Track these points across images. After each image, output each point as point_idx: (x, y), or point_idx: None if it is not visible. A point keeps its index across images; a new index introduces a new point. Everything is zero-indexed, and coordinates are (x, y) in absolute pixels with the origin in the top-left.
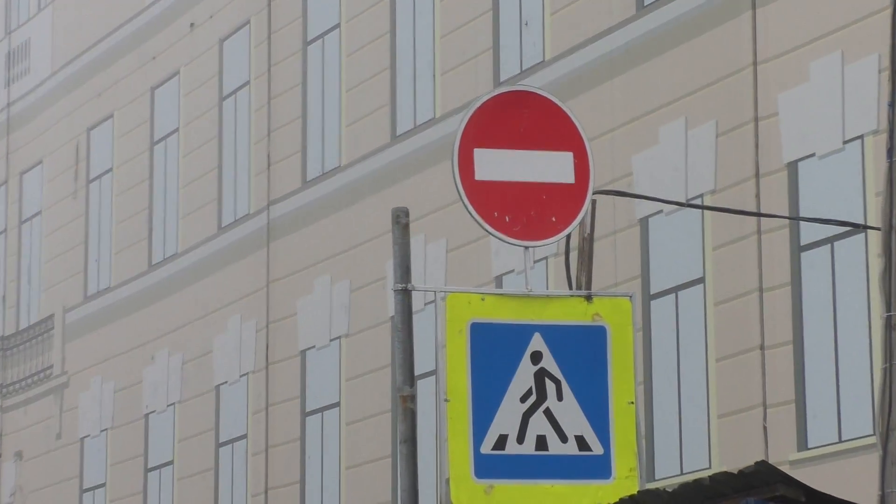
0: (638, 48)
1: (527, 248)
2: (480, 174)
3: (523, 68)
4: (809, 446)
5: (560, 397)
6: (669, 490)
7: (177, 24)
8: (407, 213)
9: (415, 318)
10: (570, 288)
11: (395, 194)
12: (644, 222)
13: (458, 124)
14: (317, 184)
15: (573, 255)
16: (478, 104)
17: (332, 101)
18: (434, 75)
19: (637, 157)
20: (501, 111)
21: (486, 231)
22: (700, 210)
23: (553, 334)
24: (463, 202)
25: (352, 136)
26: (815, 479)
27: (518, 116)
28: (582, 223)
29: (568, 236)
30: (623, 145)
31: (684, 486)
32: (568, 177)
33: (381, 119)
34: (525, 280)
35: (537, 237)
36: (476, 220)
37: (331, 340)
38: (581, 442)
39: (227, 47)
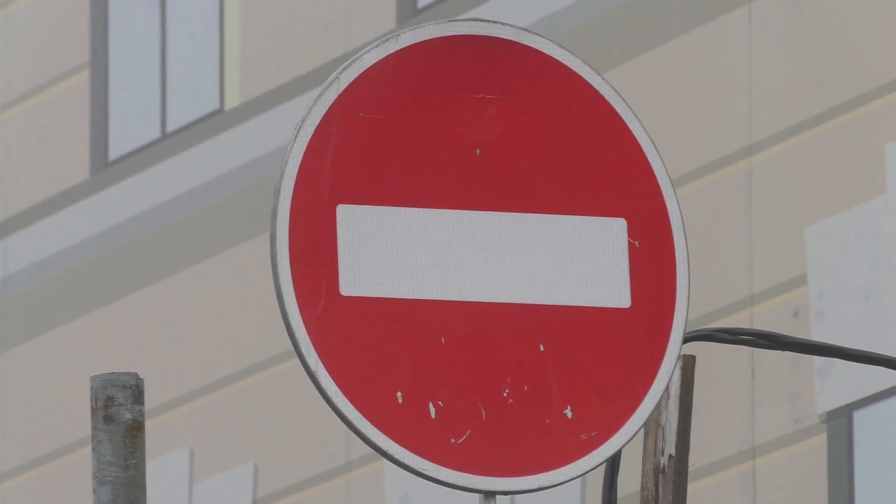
0: None
1: (488, 495)
2: (350, 284)
3: None
4: None
5: None
6: None
7: None
8: (139, 388)
9: None
10: None
11: (103, 331)
12: (841, 420)
13: (291, 135)
14: None
15: None
16: (349, 78)
17: None
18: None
19: (816, 228)
20: (417, 95)
21: (370, 444)
22: None
23: None
24: (302, 360)
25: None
26: None
27: (469, 110)
28: (652, 424)
29: (613, 464)
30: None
31: None
32: (617, 294)
33: (72, 128)
34: None
35: (520, 468)
36: (340, 415)
37: None
38: None
39: None
